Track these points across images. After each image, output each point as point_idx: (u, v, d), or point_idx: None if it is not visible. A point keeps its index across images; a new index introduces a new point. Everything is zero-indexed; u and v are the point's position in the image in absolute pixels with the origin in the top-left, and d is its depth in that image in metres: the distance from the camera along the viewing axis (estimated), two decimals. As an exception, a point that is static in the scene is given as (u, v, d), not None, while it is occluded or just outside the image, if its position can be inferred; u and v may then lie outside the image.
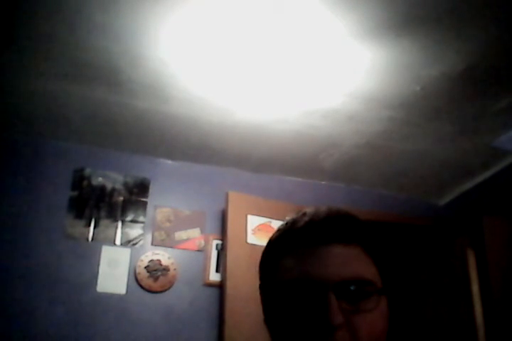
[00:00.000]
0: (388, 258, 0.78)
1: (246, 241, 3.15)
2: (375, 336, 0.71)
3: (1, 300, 2.84)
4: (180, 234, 3.27)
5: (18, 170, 3.12)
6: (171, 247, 3.22)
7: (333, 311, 0.68)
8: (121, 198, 3.26)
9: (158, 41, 2.35)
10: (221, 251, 3.23)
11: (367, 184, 3.71)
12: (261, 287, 0.82)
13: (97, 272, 3.03)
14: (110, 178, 3.28)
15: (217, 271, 3.20)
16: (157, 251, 3.18)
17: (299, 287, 0.72)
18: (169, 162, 3.45)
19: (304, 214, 0.79)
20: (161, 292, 3.10)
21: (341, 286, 0.71)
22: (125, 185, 3.29)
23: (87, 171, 3.25)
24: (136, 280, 3.08)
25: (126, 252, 3.13)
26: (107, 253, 3.09)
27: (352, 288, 0.71)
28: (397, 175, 3.57)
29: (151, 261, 3.13)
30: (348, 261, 0.73)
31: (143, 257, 3.14)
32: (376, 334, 0.72)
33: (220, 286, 3.13)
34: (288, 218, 0.82)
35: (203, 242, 3.28)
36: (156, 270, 3.11)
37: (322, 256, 0.73)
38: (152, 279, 3.10)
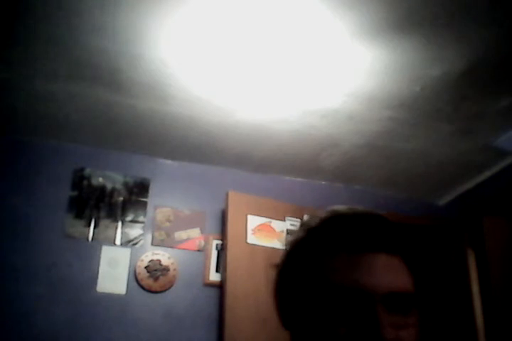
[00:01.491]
0: (424, 270, 0.76)
1: (246, 241, 3.15)
2: None
3: (1, 300, 2.84)
4: (180, 234, 3.27)
5: (18, 170, 3.12)
6: (171, 247, 3.22)
7: (385, 325, 0.66)
8: (121, 198, 3.26)
9: (158, 41, 2.35)
10: (221, 251, 3.23)
11: (367, 184, 3.71)
12: (285, 286, 0.78)
13: (97, 272, 3.03)
14: (110, 178, 3.28)
15: (217, 271, 3.20)
16: (157, 251, 3.18)
17: (348, 295, 0.68)
18: (169, 162, 3.45)
19: (345, 215, 0.75)
20: (161, 292, 3.10)
21: (390, 298, 0.68)
22: (125, 185, 3.29)
23: (87, 171, 3.25)
24: (136, 280, 3.08)
25: (126, 252, 3.13)
26: (107, 253, 3.09)
27: (400, 301, 0.69)
28: (397, 175, 3.57)
29: (151, 261, 3.13)
30: (394, 272, 0.70)
31: (143, 257, 3.14)
32: None
33: (220, 286, 3.13)
34: (318, 216, 0.77)
35: (203, 242, 3.28)
36: (156, 270, 3.11)
37: (370, 265, 0.70)
38: (152, 279, 3.10)
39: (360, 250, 0.71)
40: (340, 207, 0.78)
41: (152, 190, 3.33)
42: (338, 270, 0.70)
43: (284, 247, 0.82)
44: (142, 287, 3.08)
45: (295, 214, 3.39)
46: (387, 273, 0.70)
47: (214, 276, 3.19)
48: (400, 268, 0.72)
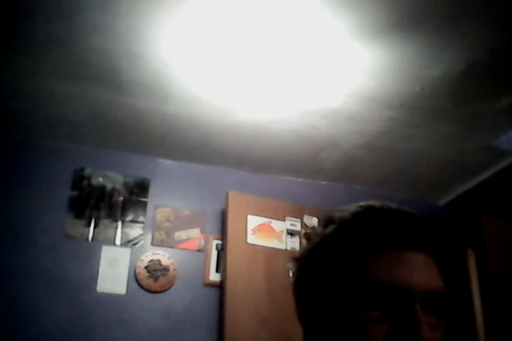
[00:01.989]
0: (452, 272, 0.76)
1: (246, 241, 3.15)
2: None
3: (1, 300, 2.84)
4: (180, 234, 3.27)
5: (18, 170, 3.12)
6: (171, 247, 3.22)
7: (423, 324, 0.65)
8: (121, 198, 3.26)
9: (158, 41, 2.35)
10: (221, 251, 3.23)
11: (367, 184, 3.71)
12: (313, 282, 0.74)
13: (97, 272, 3.03)
14: (110, 178, 3.28)
15: (217, 271, 3.20)
16: (157, 251, 3.18)
17: (386, 292, 0.66)
18: (169, 162, 3.45)
19: (380, 210, 0.73)
20: (161, 292, 3.10)
21: (427, 298, 0.67)
22: (125, 185, 3.29)
23: (87, 171, 3.25)
24: (136, 280, 3.08)
25: (126, 252, 3.13)
26: (107, 253, 3.09)
27: (435, 301, 0.68)
28: (397, 175, 3.57)
29: (151, 261, 3.13)
30: (431, 272, 0.70)
31: (143, 257, 3.14)
32: None
33: (220, 286, 3.13)
34: (348, 211, 0.74)
35: (203, 242, 3.28)
36: (156, 270, 3.11)
37: (410, 263, 0.69)
38: (152, 279, 3.10)
39: (399, 247, 0.69)
40: (372, 202, 0.75)
41: (152, 190, 3.33)
42: (377, 267, 0.68)
43: (306, 241, 0.79)
44: (142, 287, 3.08)
45: (295, 214, 3.39)
46: (426, 272, 0.69)
47: (214, 276, 3.19)
48: (435, 268, 0.71)
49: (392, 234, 0.70)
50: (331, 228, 0.74)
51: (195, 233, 3.29)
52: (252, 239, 3.18)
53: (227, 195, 3.24)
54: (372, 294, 0.66)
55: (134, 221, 3.23)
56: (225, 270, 3.06)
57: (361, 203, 0.75)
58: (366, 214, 0.73)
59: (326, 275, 0.72)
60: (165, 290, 3.11)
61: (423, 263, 0.69)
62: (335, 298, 0.69)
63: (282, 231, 3.31)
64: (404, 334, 0.64)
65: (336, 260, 0.71)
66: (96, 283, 3.00)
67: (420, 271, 0.68)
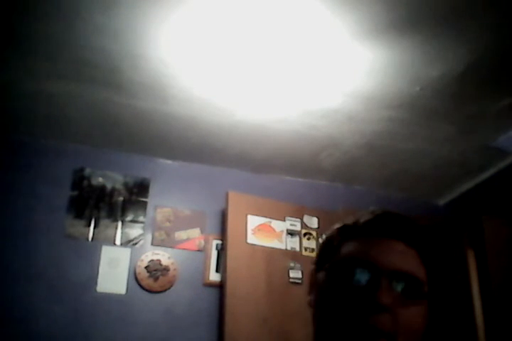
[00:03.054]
0: (440, 268, 0.81)
1: (246, 241, 3.15)
2: (412, 332, 0.75)
3: (1, 300, 2.84)
4: (180, 234, 3.27)
5: (18, 170, 3.12)
6: (171, 247, 3.22)
7: (383, 291, 0.72)
8: (121, 198, 3.26)
9: (158, 41, 2.35)
10: (221, 251, 3.23)
11: (367, 184, 3.71)
12: (316, 272, 0.84)
13: (97, 272, 3.03)
14: (110, 178, 3.28)
15: (217, 271, 3.20)
16: (157, 251, 3.18)
17: (356, 264, 0.76)
18: (169, 162, 3.45)
19: (372, 211, 0.83)
20: (161, 292, 3.10)
21: (395, 276, 0.74)
22: (125, 185, 3.29)
23: (87, 171, 3.26)
24: (136, 280, 3.08)
25: (126, 252, 3.13)
26: (107, 253, 3.09)
27: (404, 280, 0.75)
28: (397, 175, 3.57)
29: (151, 261, 3.13)
30: (406, 258, 0.77)
31: (143, 257, 3.14)
32: (414, 331, 0.75)
33: (220, 286, 3.13)
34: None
35: (203, 242, 3.28)
36: (156, 270, 3.11)
37: (384, 247, 0.77)
38: (152, 279, 3.10)
39: (379, 234, 0.78)
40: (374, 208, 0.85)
41: (152, 190, 3.33)
42: (356, 247, 0.78)
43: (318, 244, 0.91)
44: (142, 287, 3.08)
45: (295, 214, 3.39)
46: (399, 255, 0.76)
47: (214, 276, 3.19)
48: (415, 259, 0.77)
49: (374, 225, 0.80)
50: (337, 226, 0.85)
51: (195, 233, 3.29)
52: (252, 239, 3.18)
53: (227, 195, 3.24)
54: (347, 266, 0.76)
55: (134, 221, 3.23)
56: (225, 270, 3.06)
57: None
58: (361, 215, 0.83)
59: (320, 263, 0.83)
60: (165, 290, 3.11)
61: (400, 250, 0.77)
62: (322, 280, 0.80)
63: (282, 231, 3.31)
64: (364, 297, 0.72)
65: (328, 249, 0.83)
66: (96, 283, 3.00)
67: (393, 254, 0.76)
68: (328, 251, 0.83)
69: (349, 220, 0.84)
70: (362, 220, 0.82)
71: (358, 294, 0.73)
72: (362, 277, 0.75)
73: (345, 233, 0.82)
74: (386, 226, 0.79)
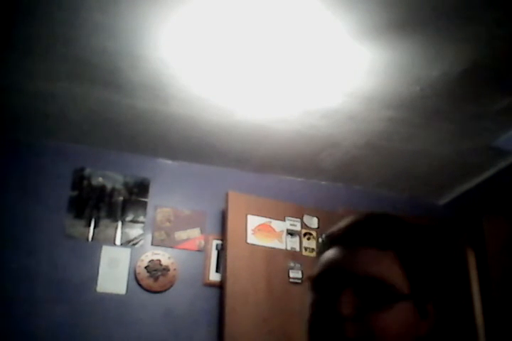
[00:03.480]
0: (425, 266, 0.80)
1: (246, 241, 3.15)
2: (391, 337, 0.73)
3: (1, 300, 2.84)
4: (180, 234, 3.27)
5: (19, 170, 3.12)
6: (171, 247, 3.22)
7: (343, 301, 0.73)
8: (121, 198, 3.26)
9: (158, 41, 2.35)
10: (221, 251, 3.23)
11: (367, 184, 3.71)
12: None
13: (97, 272, 3.03)
14: (110, 178, 3.28)
15: (217, 271, 3.20)
16: (157, 251, 3.18)
17: (322, 276, 0.78)
18: (169, 162, 3.45)
19: (348, 219, 0.84)
20: (161, 292, 3.10)
21: (361, 282, 0.74)
22: (125, 185, 3.29)
23: (87, 171, 3.26)
24: (136, 280, 3.08)
25: (126, 252, 3.13)
26: (107, 253, 3.09)
27: (371, 286, 0.74)
28: (397, 175, 3.57)
29: (151, 261, 3.13)
30: (374, 263, 0.76)
31: (143, 257, 3.14)
32: (393, 335, 0.74)
33: (220, 286, 3.13)
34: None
35: (203, 242, 3.28)
36: (156, 270, 3.11)
37: (353, 255, 0.78)
38: (152, 279, 3.10)
39: (351, 244, 0.79)
40: (361, 212, 0.86)
41: (152, 190, 3.33)
42: (326, 257, 0.80)
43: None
44: (142, 287, 3.08)
45: (295, 214, 3.39)
46: (368, 262, 0.76)
47: (214, 276, 3.19)
48: (388, 261, 0.77)
49: (348, 233, 0.80)
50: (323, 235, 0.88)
51: (195, 233, 3.29)
52: (252, 239, 3.18)
53: (227, 195, 3.24)
54: (320, 276, 0.78)
55: (134, 221, 3.23)
56: (225, 270, 3.06)
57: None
58: (340, 223, 0.84)
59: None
60: (165, 290, 3.11)
61: (369, 256, 0.77)
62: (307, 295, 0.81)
63: (282, 231, 3.31)
64: (327, 310, 0.74)
65: (317, 258, 0.85)
66: (96, 283, 3.00)
67: (362, 261, 0.76)
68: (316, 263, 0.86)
69: (331, 229, 0.86)
70: (336, 229, 0.83)
71: (323, 306, 0.75)
72: (327, 289, 0.76)
73: (324, 243, 0.84)
74: (356, 235, 0.80)
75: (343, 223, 0.83)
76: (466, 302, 3.35)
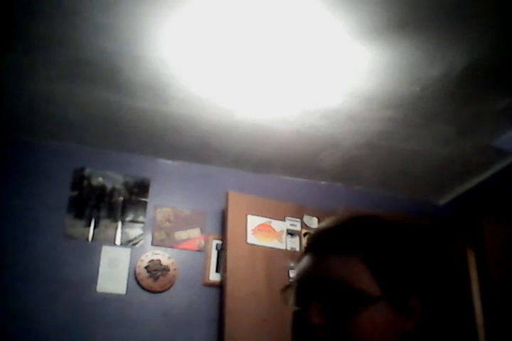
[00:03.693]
0: (395, 265, 0.80)
1: (246, 241, 3.15)
2: (368, 339, 0.74)
3: (1, 300, 2.84)
4: (180, 234, 3.27)
5: (19, 170, 3.12)
6: (171, 247, 3.22)
7: (311, 311, 0.75)
8: (121, 198, 3.26)
9: (158, 41, 2.35)
10: (221, 251, 3.23)
11: (367, 184, 3.71)
12: None
13: (97, 272, 3.03)
14: (110, 178, 3.28)
15: (217, 271, 3.20)
16: (157, 251, 3.18)
17: (297, 288, 0.80)
18: (169, 162, 3.45)
19: (325, 223, 0.86)
20: (161, 292, 3.10)
21: (328, 289, 0.76)
22: (125, 185, 3.29)
23: (87, 171, 3.25)
24: (136, 280, 3.08)
25: (126, 252, 3.13)
26: (107, 253, 3.09)
27: (338, 292, 0.76)
28: (397, 175, 3.57)
29: (151, 261, 3.13)
30: (339, 268, 0.78)
31: (143, 257, 3.14)
32: (369, 337, 0.74)
33: (220, 286, 3.13)
34: None
35: (203, 242, 3.28)
36: (156, 270, 3.11)
37: (321, 262, 0.80)
38: (152, 279, 3.10)
39: (322, 251, 0.81)
40: (336, 216, 0.88)
41: (152, 190, 3.33)
42: (297, 268, 0.84)
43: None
44: (142, 287, 3.08)
45: (295, 214, 3.39)
46: (333, 269, 0.78)
47: (214, 276, 3.19)
48: (353, 266, 0.78)
49: (313, 242, 0.84)
50: None
51: (195, 233, 3.29)
52: (252, 239, 3.18)
53: (227, 195, 3.24)
54: (295, 286, 0.81)
55: (134, 221, 3.23)
56: (225, 270, 3.06)
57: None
58: (317, 227, 0.87)
59: None
60: (165, 290, 3.11)
61: (334, 263, 0.78)
62: None
63: (282, 231, 3.31)
64: (299, 320, 0.77)
65: None
66: (96, 283, 3.00)
67: (327, 268, 0.78)
68: None
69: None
70: (309, 236, 0.86)
71: (298, 316, 0.77)
72: (300, 298, 0.78)
73: (304, 250, 0.87)
74: (323, 242, 0.81)
75: (315, 230, 0.85)
76: (466, 302, 3.35)
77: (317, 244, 0.82)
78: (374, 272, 0.78)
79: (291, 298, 0.80)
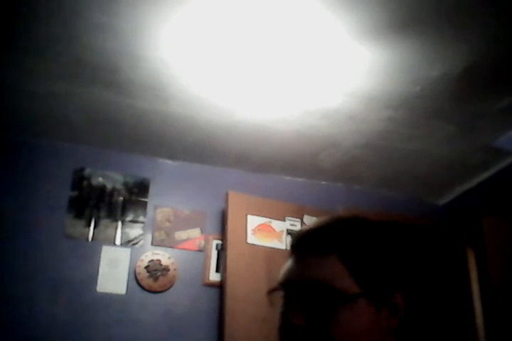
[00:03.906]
0: (373, 262, 0.81)
1: (246, 241, 3.15)
2: (352, 335, 0.75)
3: (2, 300, 2.84)
4: (180, 234, 3.27)
5: (18, 170, 3.12)
6: (171, 247, 3.22)
7: (292, 311, 0.76)
8: (121, 198, 3.26)
9: (158, 41, 2.35)
10: (221, 251, 3.23)
11: (367, 184, 3.71)
12: None
13: (97, 272, 3.03)
14: (110, 178, 3.28)
15: (217, 271, 3.20)
16: (157, 251, 3.18)
17: (282, 289, 0.82)
18: (169, 162, 3.45)
19: (307, 225, 0.88)
20: (161, 292, 3.10)
21: (306, 289, 0.77)
22: (125, 185, 3.29)
23: (87, 171, 3.26)
24: (136, 280, 3.08)
25: (126, 252, 3.13)
26: (107, 253, 3.09)
27: (316, 291, 0.77)
28: (397, 175, 3.57)
29: (151, 261, 3.13)
30: (317, 268, 0.79)
31: (143, 257, 3.14)
32: (353, 334, 0.75)
33: (220, 286, 3.13)
34: None
35: (203, 242, 3.28)
36: (156, 270, 3.11)
37: (300, 263, 0.81)
38: (152, 279, 3.10)
39: (302, 253, 0.82)
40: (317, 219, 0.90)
41: (152, 190, 3.33)
42: (285, 267, 0.84)
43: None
44: (142, 287, 3.08)
45: (295, 214, 3.39)
46: (310, 269, 0.79)
47: (214, 276, 3.19)
48: (330, 266, 0.79)
49: (294, 244, 0.85)
50: None
51: (195, 233, 3.29)
52: (252, 239, 3.18)
53: (227, 195, 3.24)
54: (272, 292, 0.83)
55: (134, 221, 3.23)
56: (225, 270, 3.06)
57: None
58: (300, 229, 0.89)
59: None
60: (165, 290, 3.11)
61: (311, 264, 0.80)
62: None
63: (282, 231, 3.31)
64: (281, 321, 0.79)
65: None
66: (96, 283, 3.00)
67: (304, 269, 0.80)
68: None
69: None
70: (291, 240, 0.87)
71: (280, 319, 0.79)
72: (284, 300, 0.80)
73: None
74: (303, 244, 0.83)
75: (297, 231, 0.87)
76: (466, 302, 3.35)
77: (298, 245, 0.84)
78: (351, 270, 0.78)
79: (279, 301, 0.82)
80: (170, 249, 3.21)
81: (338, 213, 0.88)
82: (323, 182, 3.70)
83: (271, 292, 0.83)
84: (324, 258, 0.80)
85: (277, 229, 3.29)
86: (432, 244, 3.77)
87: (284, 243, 3.28)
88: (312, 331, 0.75)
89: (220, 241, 3.26)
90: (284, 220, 3.34)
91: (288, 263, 0.84)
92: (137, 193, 3.30)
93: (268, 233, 3.25)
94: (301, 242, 0.84)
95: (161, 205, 3.31)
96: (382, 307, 0.79)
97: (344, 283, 0.77)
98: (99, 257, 3.07)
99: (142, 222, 3.24)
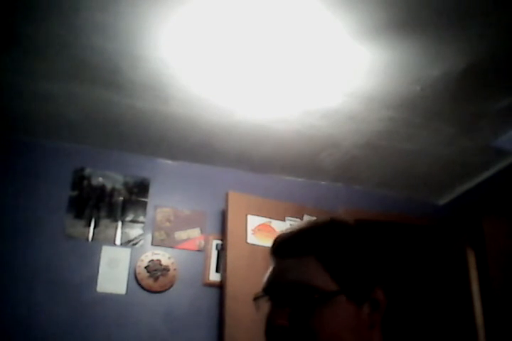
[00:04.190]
0: (350, 260, 0.83)
1: (246, 241, 3.15)
2: (333, 333, 0.76)
3: (1, 300, 2.84)
4: (180, 234, 3.27)
5: (18, 170, 3.12)
6: (171, 247, 3.22)
7: (273, 313, 0.79)
8: (121, 198, 3.26)
9: (158, 41, 2.35)
10: (221, 251, 3.23)
11: (367, 184, 3.71)
12: None
13: (97, 272, 3.03)
14: (110, 178, 3.28)
15: (217, 271, 3.20)
16: (157, 251, 3.18)
17: (265, 292, 0.84)
18: (169, 162, 3.45)
19: (286, 229, 0.90)
20: (161, 292, 3.10)
21: (285, 290, 0.80)
22: (125, 185, 3.29)
23: (87, 171, 3.26)
24: (136, 280, 3.08)
25: (126, 252, 3.13)
26: (107, 253, 3.09)
27: (294, 291, 0.79)
28: (397, 175, 3.57)
29: (151, 261, 3.13)
30: (294, 269, 0.81)
31: (143, 257, 3.14)
32: (333, 332, 0.77)
33: (220, 286, 3.13)
34: None
35: (203, 242, 3.28)
36: (156, 270, 3.11)
37: (280, 266, 0.84)
38: (152, 279, 3.10)
39: (282, 256, 0.85)
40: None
41: (152, 190, 3.33)
42: (268, 270, 0.87)
43: None
44: (142, 287, 3.08)
45: (295, 214, 3.39)
46: (288, 270, 0.82)
47: (214, 276, 3.19)
48: (308, 265, 0.81)
49: (273, 247, 0.88)
50: None
51: (195, 233, 3.29)
52: (252, 239, 3.18)
53: (227, 195, 3.24)
54: (257, 296, 0.85)
55: (134, 221, 3.23)
56: (225, 270, 3.06)
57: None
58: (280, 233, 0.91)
59: None
60: (165, 290, 3.11)
61: (289, 266, 0.82)
62: None
63: (282, 231, 3.30)
64: (265, 323, 0.80)
65: None
66: (96, 283, 3.00)
67: (282, 271, 0.83)
68: None
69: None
70: (272, 243, 0.89)
71: (265, 322, 0.80)
72: (269, 302, 0.82)
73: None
74: (282, 247, 0.86)
75: (277, 235, 0.89)
76: (466, 302, 3.35)
77: (277, 249, 0.86)
78: (328, 269, 0.81)
79: (265, 305, 0.83)
80: (170, 249, 3.21)
81: (319, 217, 0.93)
82: (323, 182, 3.70)
83: (256, 299, 0.85)
84: (302, 259, 0.82)
85: (277, 229, 3.29)
86: (432, 244, 3.77)
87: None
88: (294, 330, 0.76)
89: (220, 241, 3.26)
90: (284, 220, 3.34)
91: (271, 267, 0.86)
92: (137, 193, 3.30)
93: (268, 233, 3.25)
94: (280, 246, 0.86)
95: (161, 205, 3.31)
96: (363, 303, 0.80)
97: (322, 281, 0.79)
98: (99, 257, 3.07)
99: (142, 222, 3.24)
